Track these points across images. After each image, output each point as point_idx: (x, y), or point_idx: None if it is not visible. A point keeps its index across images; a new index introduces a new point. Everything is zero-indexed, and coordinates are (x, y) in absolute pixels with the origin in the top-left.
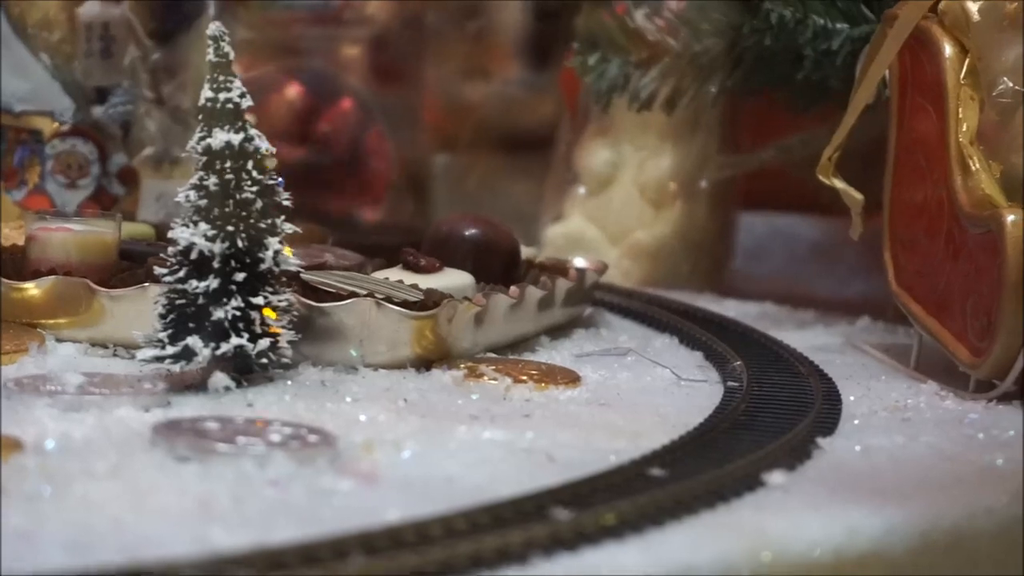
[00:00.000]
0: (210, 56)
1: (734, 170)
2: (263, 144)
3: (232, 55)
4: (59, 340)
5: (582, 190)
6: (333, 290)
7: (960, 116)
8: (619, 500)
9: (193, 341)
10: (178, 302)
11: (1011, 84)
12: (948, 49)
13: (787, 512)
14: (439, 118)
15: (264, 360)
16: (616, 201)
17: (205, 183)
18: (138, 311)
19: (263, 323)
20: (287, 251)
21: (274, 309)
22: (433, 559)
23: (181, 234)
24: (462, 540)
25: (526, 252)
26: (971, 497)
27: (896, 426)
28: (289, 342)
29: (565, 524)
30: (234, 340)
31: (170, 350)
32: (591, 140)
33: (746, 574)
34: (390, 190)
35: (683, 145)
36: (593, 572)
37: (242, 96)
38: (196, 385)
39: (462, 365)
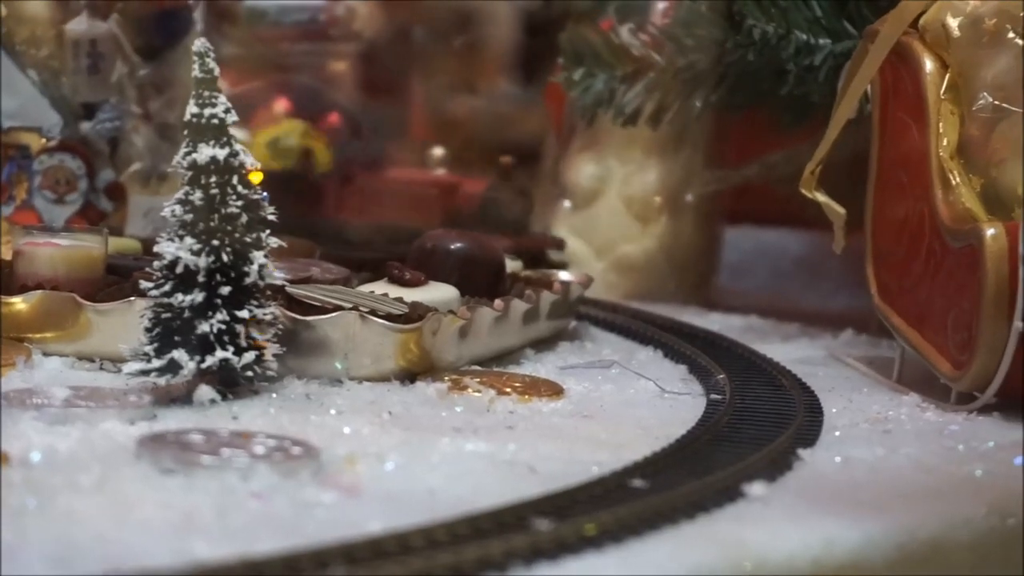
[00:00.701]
0: (195, 72)
1: (719, 185)
2: (248, 159)
3: (217, 71)
4: (46, 354)
5: (568, 204)
6: (318, 303)
7: (941, 131)
8: (600, 511)
9: (179, 354)
10: (164, 316)
11: (991, 99)
12: (929, 64)
13: (766, 523)
14: (427, 132)
15: (249, 373)
16: (602, 215)
17: (191, 198)
18: (124, 325)
19: (248, 336)
20: (272, 265)
21: (259, 322)
22: (414, 570)
23: (167, 248)
24: (442, 551)
25: (511, 266)
26: (950, 508)
27: (877, 438)
28: (274, 355)
29: (545, 534)
30: (219, 353)
31: (156, 363)
32: (577, 155)
33: None
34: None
35: (668, 160)
36: None
37: (227, 112)
38: (181, 398)
39: (447, 378)
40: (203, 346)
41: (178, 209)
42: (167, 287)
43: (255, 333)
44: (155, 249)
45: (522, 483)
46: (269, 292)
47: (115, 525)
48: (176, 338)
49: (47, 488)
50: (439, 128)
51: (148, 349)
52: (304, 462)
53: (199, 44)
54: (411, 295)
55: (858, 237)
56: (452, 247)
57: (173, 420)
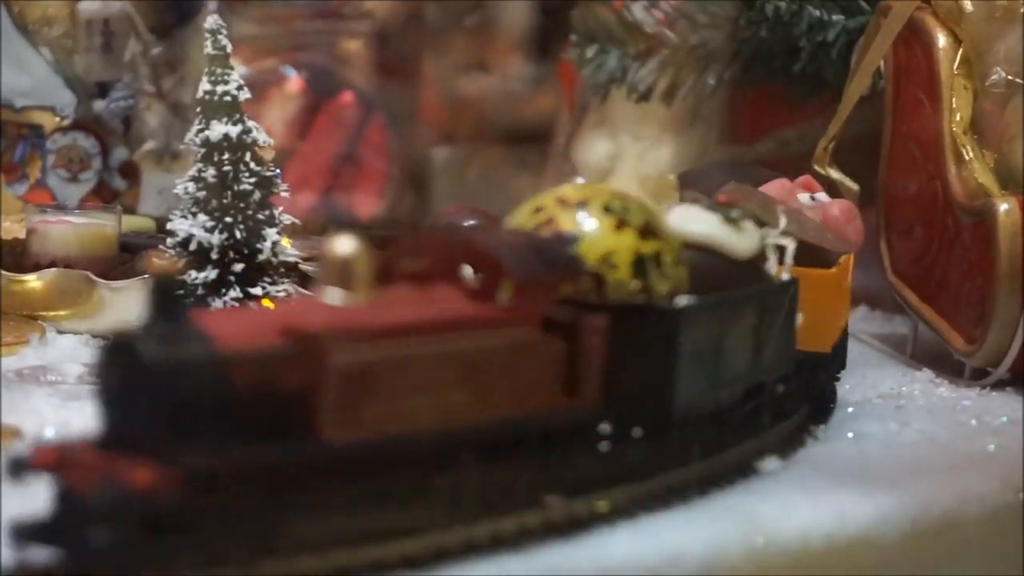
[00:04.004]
0: (208, 49)
1: (733, 161)
2: (261, 136)
3: (230, 48)
4: (60, 332)
5: (580, 182)
6: None
7: (954, 106)
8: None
9: None
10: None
11: (1004, 74)
12: (942, 40)
13: (779, 498)
14: (438, 112)
15: None
16: None
17: (203, 175)
18: (138, 302)
19: None
20: (285, 242)
21: (272, 300)
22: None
23: (180, 226)
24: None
25: None
26: (962, 483)
27: (889, 413)
28: None
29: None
30: None
31: None
32: (589, 132)
33: (736, 559)
34: (390, 184)
35: (682, 137)
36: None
37: (239, 89)
38: None
39: None
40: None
41: (191, 186)
42: (180, 264)
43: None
44: (168, 226)
45: None
46: (282, 269)
47: None
48: None
49: None
50: (450, 107)
51: None
52: None
53: (211, 21)
54: None
55: (871, 213)
56: (465, 225)
57: None
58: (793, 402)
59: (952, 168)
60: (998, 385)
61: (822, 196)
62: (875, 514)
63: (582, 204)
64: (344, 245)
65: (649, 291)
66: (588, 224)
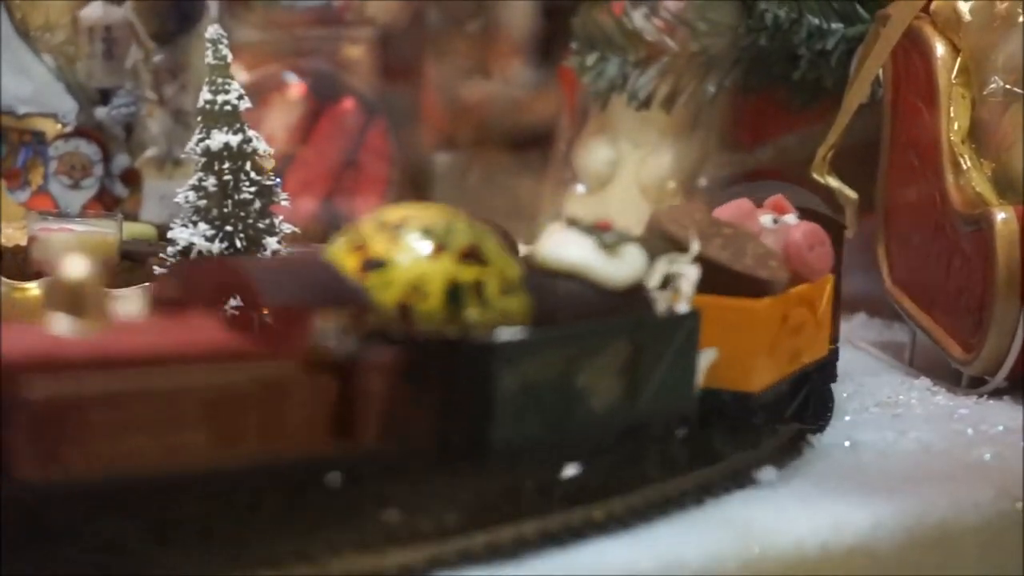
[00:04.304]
0: (208, 59)
1: (733, 168)
2: (261, 145)
3: (230, 58)
4: None
5: (581, 188)
6: None
7: (952, 115)
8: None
9: None
10: None
11: (1002, 83)
12: (940, 48)
13: (775, 507)
14: (440, 117)
15: None
16: (615, 199)
17: (204, 184)
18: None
19: None
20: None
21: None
22: (423, 555)
23: (180, 234)
24: (452, 536)
25: (523, 251)
26: (958, 492)
27: (887, 422)
28: None
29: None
30: None
31: None
32: (590, 138)
33: (732, 568)
34: (391, 189)
35: (682, 143)
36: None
37: (240, 98)
38: None
39: None
40: None
41: (191, 195)
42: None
43: None
44: (169, 235)
45: None
46: None
47: None
48: None
49: None
50: (452, 112)
51: None
52: None
53: (212, 31)
54: None
55: (870, 221)
56: None
57: None
58: (722, 444)
59: (950, 177)
60: (995, 393)
61: (789, 218)
62: (871, 523)
63: (397, 227)
64: (73, 267)
65: (464, 323)
66: (398, 249)
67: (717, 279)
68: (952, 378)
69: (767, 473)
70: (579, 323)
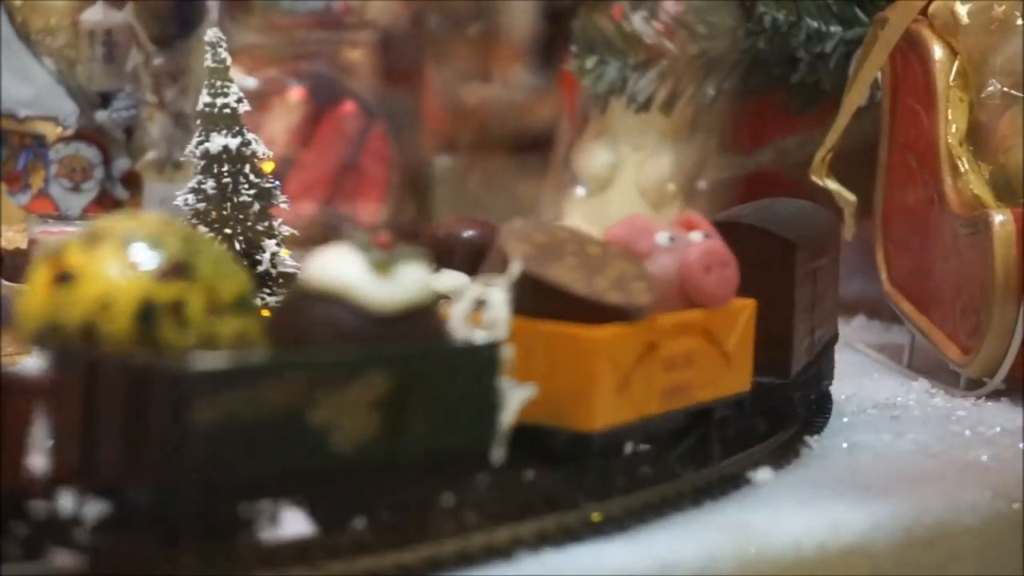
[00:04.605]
0: (208, 62)
1: (732, 171)
2: (260, 148)
3: (229, 61)
4: None
5: (581, 191)
6: None
7: (950, 118)
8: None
9: None
10: None
11: (1000, 86)
12: (938, 51)
13: (773, 508)
14: (440, 120)
15: None
16: (615, 202)
17: (203, 187)
18: None
19: None
20: (284, 253)
21: (271, 310)
22: (420, 556)
23: None
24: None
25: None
26: (955, 493)
27: (884, 423)
28: None
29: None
30: None
31: None
32: (590, 141)
33: (729, 569)
34: (391, 192)
35: (682, 146)
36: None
37: (239, 101)
38: None
39: None
40: None
41: (191, 198)
42: None
43: None
44: None
45: None
46: (281, 280)
47: None
48: None
49: None
50: (452, 115)
51: None
52: None
53: (211, 34)
54: None
55: (868, 224)
56: (465, 236)
57: None
58: (543, 485)
59: (948, 179)
60: (993, 395)
61: (695, 236)
62: (868, 524)
63: (97, 238)
64: None
65: (157, 346)
66: (90, 262)
67: (559, 304)
68: (950, 380)
69: (764, 474)
70: (317, 351)
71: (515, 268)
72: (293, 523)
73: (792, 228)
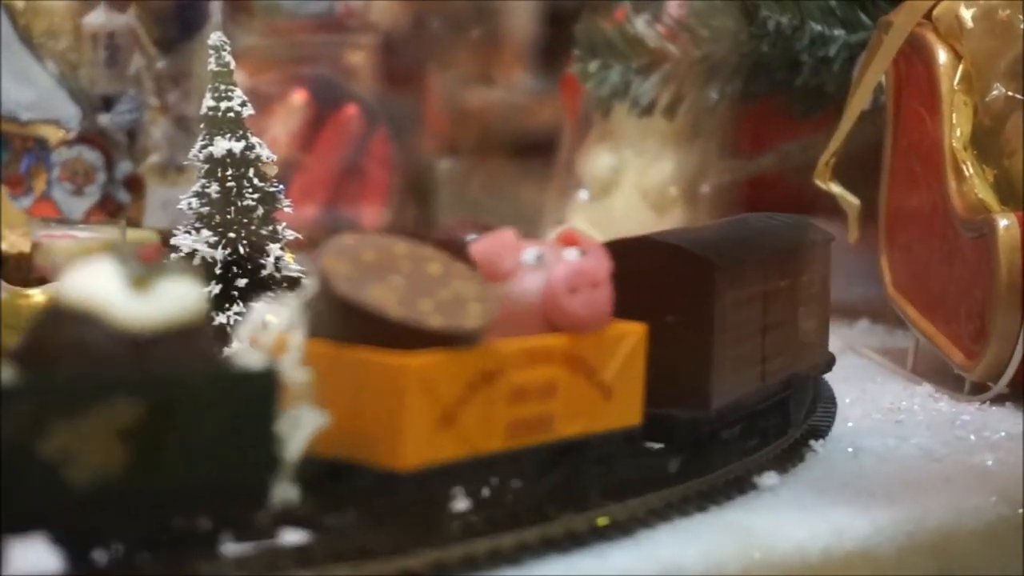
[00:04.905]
0: (211, 65)
1: (735, 175)
2: (264, 152)
3: (233, 64)
4: None
5: (584, 195)
6: None
7: (954, 122)
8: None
9: None
10: None
11: (1004, 90)
12: (942, 56)
13: (777, 512)
14: (443, 124)
15: None
16: (618, 206)
17: (207, 190)
18: None
19: None
20: (289, 257)
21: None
22: (426, 560)
23: (183, 241)
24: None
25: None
26: (960, 497)
27: (889, 428)
28: None
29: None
30: (235, 345)
31: None
32: (593, 145)
33: (733, 573)
34: (393, 195)
35: (684, 150)
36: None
37: (243, 105)
38: None
39: None
40: (220, 338)
41: (195, 202)
42: None
43: None
44: (172, 241)
45: None
46: (286, 284)
47: None
48: None
49: None
50: (455, 118)
51: None
52: None
53: (215, 37)
54: None
55: (872, 228)
56: (466, 239)
57: None
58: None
59: (952, 183)
60: (997, 400)
61: (568, 254)
62: (872, 528)
63: None
64: None
65: None
66: None
67: (373, 328)
68: (954, 384)
69: (769, 478)
70: (45, 375)
71: (306, 288)
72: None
73: (725, 247)
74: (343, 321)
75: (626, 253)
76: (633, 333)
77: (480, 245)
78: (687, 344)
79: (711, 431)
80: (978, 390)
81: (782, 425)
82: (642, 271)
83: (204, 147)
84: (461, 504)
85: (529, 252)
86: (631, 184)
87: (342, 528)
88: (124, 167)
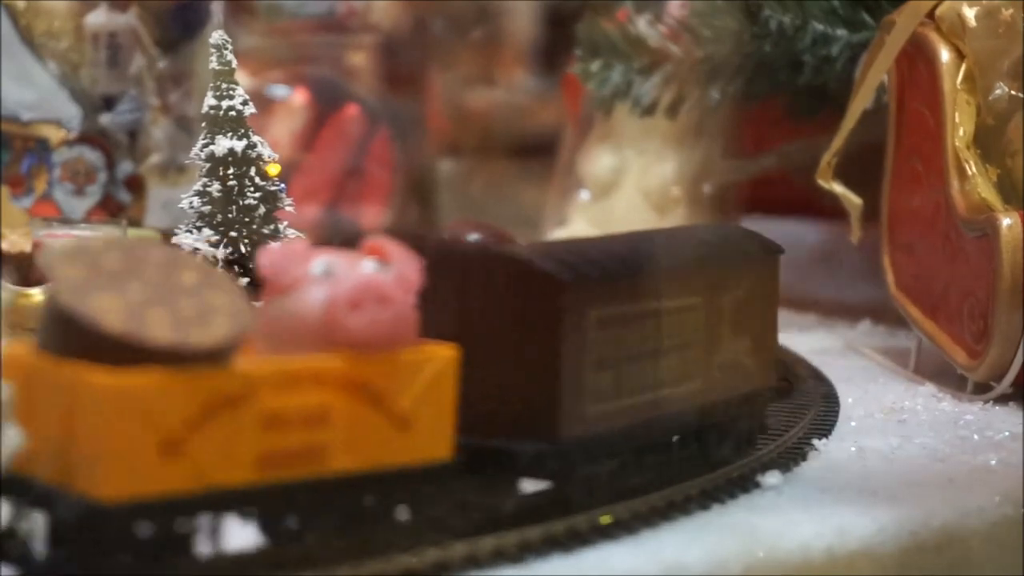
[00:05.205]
0: (213, 64)
1: (737, 175)
2: (266, 151)
3: (235, 63)
4: None
5: (585, 195)
6: None
7: (957, 121)
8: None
9: None
10: None
11: (1007, 89)
12: (945, 55)
13: (780, 511)
14: (444, 124)
15: None
16: (619, 206)
17: (208, 189)
18: None
19: None
20: None
21: None
22: (429, 559)
23: (185, 240)
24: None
25: None
26: (963, 497)
27: (892, 428)
28: None
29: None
30: None
31: None
32: (594, 145)
33: (736, 572)
34: (394, 196)
35: (686, 150)
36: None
37: (245, 103)
38: None
39: None
40: None
41: (196, 201)
42: None
43: None
44: (173, 240)
45: None
46: None
47: None
48: None
49: None
50: (456, 119)
51: None
52: None
53: (217, 36)
54: None
55: (875, 227)
56: (469, 239)
57: None
58: None
59: (955, 183)
60: (1000, 399)
61: (365, 266)
62: (876, 528)
63: None
64: None
65: None
66: None
67: (93, 342)
68: (957, 384)
69: (772, 478)
70: None
71: (6, 295)
72: None
73: (595, 262)
74: (63, 333)
75: (466, 268)
76: (440, 357)
77: (264, 254)
78: (531, 369)
79: (564, 466)
80: (981, 390)
81: (697, 460)
82: (483, 288)
83: (205, 146)
84: (208, 543)
85: (318, 263)
86: (633, 185)
87: (50, 562)
88: (125, 167)
